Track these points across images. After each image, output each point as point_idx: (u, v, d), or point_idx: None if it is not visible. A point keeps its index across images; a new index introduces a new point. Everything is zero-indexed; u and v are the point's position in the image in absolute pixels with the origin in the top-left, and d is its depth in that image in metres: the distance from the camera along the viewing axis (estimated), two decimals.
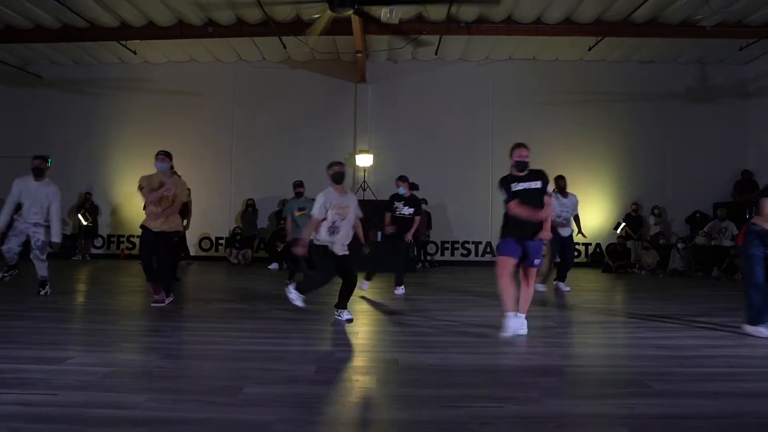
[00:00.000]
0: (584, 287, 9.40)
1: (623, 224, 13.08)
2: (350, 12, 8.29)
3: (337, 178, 5.48)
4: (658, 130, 13.70)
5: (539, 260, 4.98)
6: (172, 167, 6.49)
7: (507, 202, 5.00)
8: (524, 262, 4.94)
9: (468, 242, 13.67)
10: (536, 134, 13.61)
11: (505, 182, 5.05)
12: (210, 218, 13.56)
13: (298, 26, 11.09)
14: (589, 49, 12.43)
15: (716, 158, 13.44)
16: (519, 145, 5.15)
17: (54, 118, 14.19)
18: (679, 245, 11.85)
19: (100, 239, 14.02)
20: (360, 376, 3.52)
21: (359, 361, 3.94)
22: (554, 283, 8.60)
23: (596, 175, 13.78)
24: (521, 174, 5.08)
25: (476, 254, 13.67)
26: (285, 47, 12.35)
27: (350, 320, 5.24)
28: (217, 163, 13.91)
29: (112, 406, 2.83)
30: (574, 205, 8.71)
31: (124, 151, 14.11)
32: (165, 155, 6.35)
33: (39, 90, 14.19)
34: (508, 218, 5.05)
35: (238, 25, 11.51)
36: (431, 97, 13.78)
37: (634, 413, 2.89)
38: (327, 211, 5.28)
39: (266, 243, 13.18)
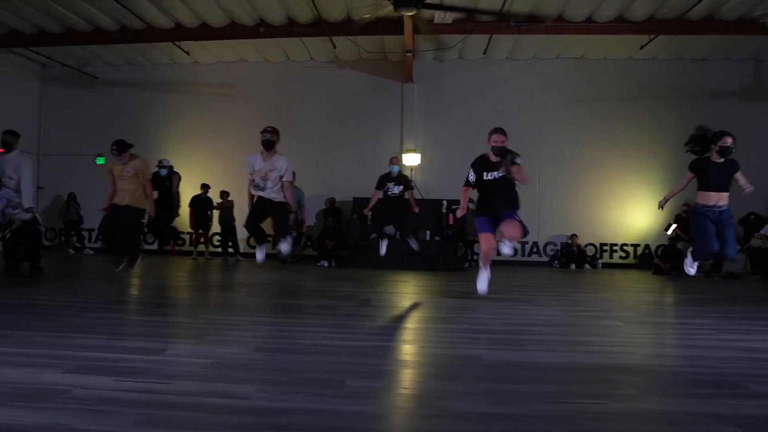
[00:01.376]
0: (638, 288, 9.29)
1: (674, 225, 12.85)
2: (413, 12, 8.36)
3: (264, 144, 6.71)
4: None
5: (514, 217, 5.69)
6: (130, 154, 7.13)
7: (465, 185, 5.84)
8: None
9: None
10: (583, 133, 13.54)
11: (476, 167, 5.51)
12: None
13: (349, 26, 11.21)
14: (641, 48, 12.26)
15: None
16: (497, 130, 5.75)
17: (107, 118, 14.64)
18: None
19: (150, 236, 14.37)
20: (450, 371, 3.56)
21: (443, 357, 3.98)
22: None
23: (644, 176, 13.59)
24: (494, 161, 5.45)
25: (522, 254, 13.61)
26: (335, 47, 12.48)
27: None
28: None
29: (226, 395, 2.93)
30: None
31: (173, 149, 14.46)
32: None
33: (94, 90, 14.65)
34: (479, 198, 5.80)
35: (289, 25, 11.70)
36: (477, 97, 13.77)
37: (741, 413, 2.87)
38: (250, 174, 6.82)
39: (314, 241, 13.35)
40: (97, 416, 2.59)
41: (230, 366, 3.52)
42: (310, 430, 2.54)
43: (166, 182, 9.82)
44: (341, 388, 3.10)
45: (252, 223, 6.74)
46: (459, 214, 6.35)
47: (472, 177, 5.72)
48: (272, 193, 6.64)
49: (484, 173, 5.52)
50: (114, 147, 7.03)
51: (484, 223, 5.65)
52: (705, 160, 5.83)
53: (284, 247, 6.57)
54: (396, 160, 8.56)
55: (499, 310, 6.15)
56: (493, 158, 5.47)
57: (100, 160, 14.42)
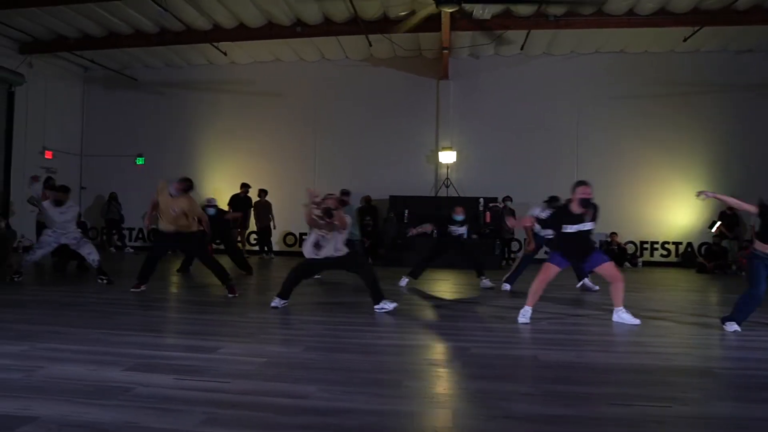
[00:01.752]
0: (683, 287, 9.04)
1: (719, 223, 12.47)
2: (456, 8, 8.28)
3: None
4: (755, 124, 12.94)
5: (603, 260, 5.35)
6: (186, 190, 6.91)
7: (544, 226, 5.80)
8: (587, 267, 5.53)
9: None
10: (623, 129, 13.23)
11: (558, 217, 5.33)
12: (294, 215, 13.86)
13: (385, 24, 11.18)
14: (684, 40, 11.88)
15: None
16: (582, 183, 5.33)
17: (146, 119, 14.91)
18: None
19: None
20: (506, 371, 3.52)
21: (498, 357, 3.93)
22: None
23: (687, 172, 13.19)
24: (578, 213, 5.25)
25: None
26: (371, 45, 12.46)
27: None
28: (300, 161, 14.22)
29: (287, 395, 2.95)
30: None
31: (211, 148, 14.67)
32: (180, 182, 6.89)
33: (134, 92, 14.94)
34: (560, 240, 5.36)
35: (326, 24, 11.71)
36: (514, 93, 13.57)
37: None
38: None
39: None
40: (162, 414, 2.63)
41: (286, 365, 3.54)
42: (374, 430, 2.53)
43: (216, 220, 9.61)
44: (399, 388, 3.09)
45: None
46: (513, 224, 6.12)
47: (545, 214, 5.44)
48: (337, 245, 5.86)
49: (565, 226, 5.23)
50: (179, 182, 6.85)
51: (561, 259, 5.33)
52: None
53: (387, 306, 5.71)
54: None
55: (544, 310, 6.05)
56: (576, 209, 5.21)
57: (140, 161, 14.72)
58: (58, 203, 7.30)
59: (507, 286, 7.82)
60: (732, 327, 5.10)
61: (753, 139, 12.89)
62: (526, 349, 4.16)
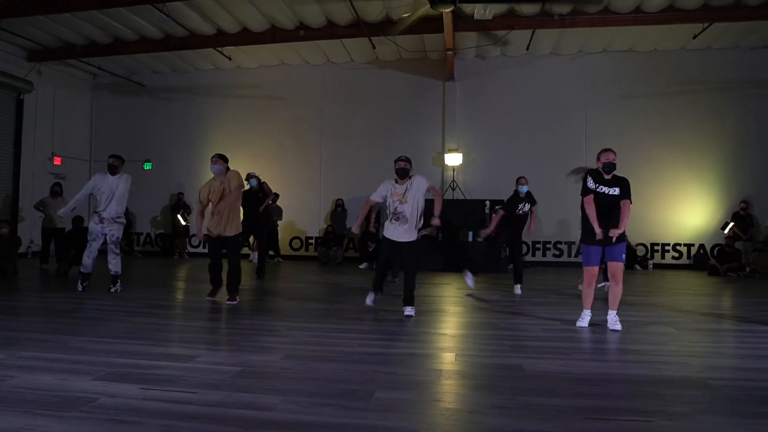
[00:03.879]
0: (693, 291, 8.81)
1: (731, 224, 12.17)
2: (450, 8, 8.16)
3: (399, 174, 5.96)
4: None
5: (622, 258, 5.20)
6: (227, 168, 6.65)
7: (584, 195, 5.25)
8: (607, 259, 5.23)
9: (561, 242, 13.21)
10: (632, 129, 12.99)
11: (589, 178, 5.22)
12: (300, 218, 13.87)
13: (388, 26, 11.11)
14: (694, 37, 11.64)
15: None
16: (606, 150, 5.27)
17: (154, 124, 15.02)
18: None
19: (196, 238, 14.64)
20: (488, 382, 3.39)
21: (482, 366, 3.81)
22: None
23: (698, 172, 12.92)
24: (607, 177, 5.20)
25: (569, 254, 13.17)
26: (374, 47, 12.38)
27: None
28: (306, 165, 14.19)
29: (249, 406, 2.86)
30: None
31: (216, 152, 14.65)
32: (219, 158, 6.63)
33: (141, 98, 15.05)
34: (585, 220, 5.25)
35: (329, 27, 11.67)
36: (521, 94, 13.41)
37: None
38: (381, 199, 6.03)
39: (357, 243, 13.31)
40: (117, 427, 2.55)
41: (259, 375, 3.45)
42: None
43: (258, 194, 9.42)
44: (369, 401, 2.98)
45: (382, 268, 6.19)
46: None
47: (591, 184, 5.20)
48: (408, 226, 5.79)
49: (595, 184, 5.12)
50: (216, 157, 6.69)
51: (594, 254, 5.22)
52: None
53: (409, 310, 5.70)
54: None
55: (543, 315, 5.91)
56: (605, 175, 5.13)
57: (148, 166, 14.82)
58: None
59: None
60: None
61: (767, 138, 12.56)
62: (513, 357, 4.02)
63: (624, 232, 5.19)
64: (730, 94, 12.81)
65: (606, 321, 5.20)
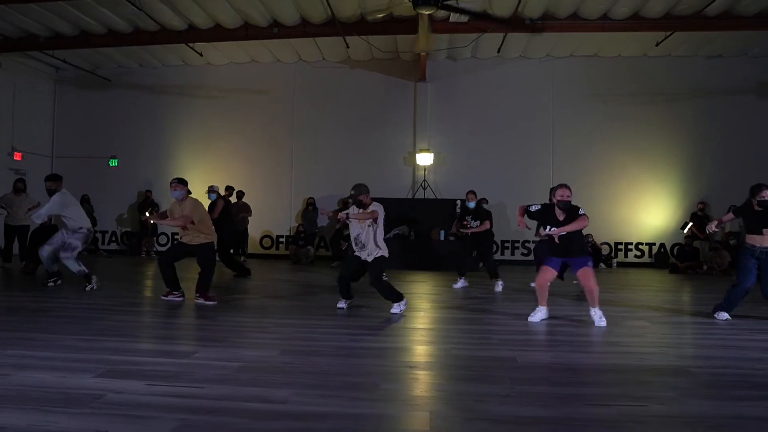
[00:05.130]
0: (658, 287, 9.18)
1: (690, 224, 12.72)
2: (433, 10, 8.29)
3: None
4: (726, 127, 13.22)
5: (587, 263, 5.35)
6: (188, 192, 6.44)
7: (524, 207, 5.62)
8: (575, 271, 5.38)
9: (528, 242, 13.50)
10: (597, 131, 13.42)
11: (541, 216, 5.48)
12: (270, 217, 13.78)
13: (363, 26, 11.17)
14: (657, 45, 12.11)
15: None
16: (561, 186, 5.44)
17: (120, 120, 14.67)
18: None
19: (164, 236, 14.39)
20: (484, 373, 3.51)
21: (476, 358, 3.92)
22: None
23: (659, 174, 13.44)
24: (560, 217, 5.34)
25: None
26: (348, 47, 12.42)
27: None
28: (277, 163, 14.12)
29: (261, 399, 2.90)
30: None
31: (186, 150, 14.47)
32: (178, 183, 6.38)
33: (107, 93, 14.69)
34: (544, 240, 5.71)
35: (302, 25, 11.62)
36: (491, 96, 13.67)
37: None
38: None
39: (328, 241, 13.33)
40: (134, 421, 2.56)
41: (261, 369, 3.48)
42: None
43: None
44: (376, 392, 3.06)
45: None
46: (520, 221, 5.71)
47: (534, 208, 5.44)
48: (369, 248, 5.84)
49: (548, 227, 5.28)
50: (175, 182, 6.40)
51: (553, 260, 5.47)
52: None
53: (395, 308, 5.78)
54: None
55: (520, 311, 6.08)
56: (560, 215, 5.27)
57: (114, 162, 14.46)
58: None
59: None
60: (722, 316, 5.59)
61: (724, 142, 13.17)
62: (504, 350, 4.16)
63: (584, 243, 5.58)
64: (690, 99, 13.38)
65: (585, 316, 5.41)
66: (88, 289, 6.98)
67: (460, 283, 8.23)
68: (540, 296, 5.54)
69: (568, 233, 5.28)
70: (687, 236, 12.55)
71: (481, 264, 9.10)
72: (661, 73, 13.44)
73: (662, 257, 13.19)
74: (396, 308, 5.76)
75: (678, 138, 13.36)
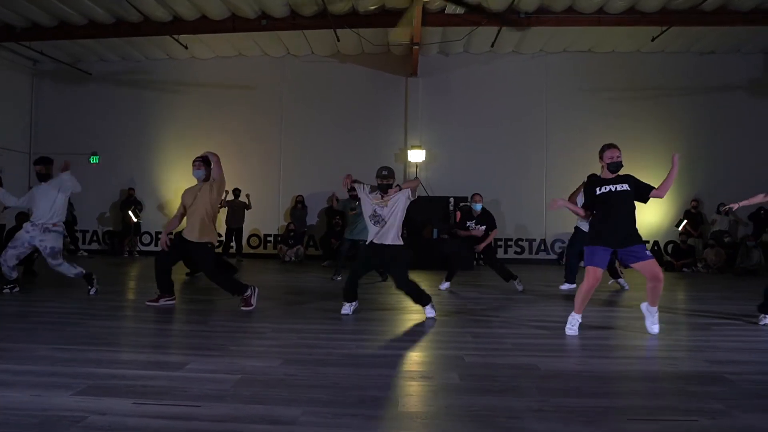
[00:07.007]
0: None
1: (684, 221, 12.60)
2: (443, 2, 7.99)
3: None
4: (719, 124, 13.13)
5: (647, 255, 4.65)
6: (208, 175, 5.89)
7: (584, 207, 4.91)
8: (631, 263, 4.68)
9: (522, 240, 13.29)
10: (590, 127, 13.21)
11: (591, 186, 4.80)
12: (258, 215, 13.37)
13: (354, 18, 10.83)
14: (653, 40, 11.93)
15: None
16: (610, 146, 4.83)
17: (101, 114, 14.19)
18: (748, 243, 11.33)
19: (147, 236, 13.92)
20: (510, 383, 3.20)
21: (495, 366, 3.61)
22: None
23: (654, 170, 13.21)
24: (611, 176, 4.78)
25: (530, 252, 13.27)
26: (338, 40, 12.05)
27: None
28: (264, 160, 13.73)
29: (267, 420, 2.56)
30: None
31: (170, 146, 14.03)
32: (202, 162, 5.86)
33: (88, 86, 14.18)
34: (594, 222, 4.79)
35: (292, 17, 11.26)
36: (484, 91, 13.42)
37: None
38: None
39: (319, 240, 12.97)
40: None
41: (264, 383, 3.13)
42: None
43: None
44: (396, 408, 2.73)
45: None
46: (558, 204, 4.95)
47: (601, 191, 4.70)
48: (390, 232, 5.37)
49: (597, 188, 4.65)
50: (198, 161, 5.86)
51: (601, 255, 4.60)
52: None
53: (429, 312, 5.44)
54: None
55: (525, 312, 5.81)
56: (608, 175, 4.67)
57: (95, 159, 13.94)
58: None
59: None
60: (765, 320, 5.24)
61: (717, 139, 13.07)
62: (522, 356, 3.86)
63: (637, 232, 4.75)
64: (683, 95, 13.26)
65: (592, 318, 5.13)
66: (92, 292, 6.53)
67: (445, 285, 7.86)
68: (582, 303, 4.70)
69: (626, 207, 4.59)
70: (681, 233, 12.42)
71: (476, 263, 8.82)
72: (654, 69, 13.30)
73: (657, 255, 13.03)
74: (430, 311, 5.39)
75: (672, 134, 13.22)
